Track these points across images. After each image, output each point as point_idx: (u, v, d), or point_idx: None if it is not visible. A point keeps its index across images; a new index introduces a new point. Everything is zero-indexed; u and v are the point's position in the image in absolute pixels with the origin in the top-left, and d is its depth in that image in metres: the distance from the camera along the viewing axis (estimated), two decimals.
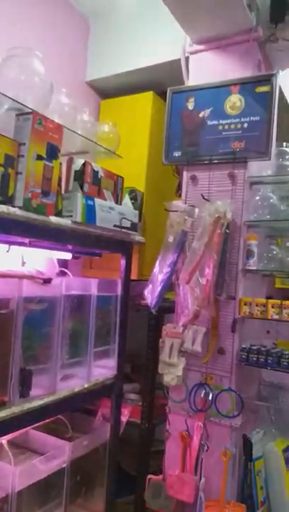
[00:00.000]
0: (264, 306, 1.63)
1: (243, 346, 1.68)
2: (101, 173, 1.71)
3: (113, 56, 2.37)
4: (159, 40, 2.18)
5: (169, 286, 1.78)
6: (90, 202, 1.58)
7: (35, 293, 1.48)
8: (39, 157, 1.35)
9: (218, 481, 1.66)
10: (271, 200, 1.74)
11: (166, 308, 1.97)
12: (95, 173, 1.67)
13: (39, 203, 1.35)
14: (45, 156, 1.37)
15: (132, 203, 2.02)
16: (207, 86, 1.81)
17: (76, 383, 1.65)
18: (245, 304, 1.68)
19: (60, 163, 1.47)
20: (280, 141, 1.87)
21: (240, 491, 1.75)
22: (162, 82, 2.25)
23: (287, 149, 1.85)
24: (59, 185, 1.48)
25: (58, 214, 1.48)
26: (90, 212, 1.58)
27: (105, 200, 1.73)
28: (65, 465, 1.69)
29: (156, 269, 1.79)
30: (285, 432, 1.90)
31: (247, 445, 1.69)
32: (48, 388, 1.52)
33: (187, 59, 1.95)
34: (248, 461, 1.70)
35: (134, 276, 2.10)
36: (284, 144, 1.86)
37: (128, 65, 2.29)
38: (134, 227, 1.88)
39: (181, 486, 1.69)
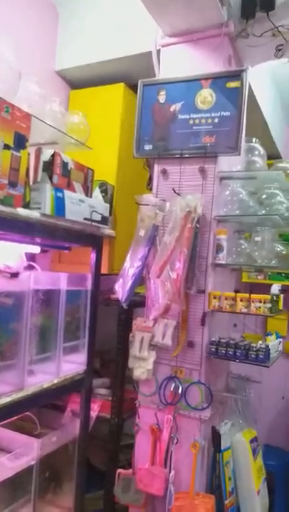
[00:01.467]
0: (233, 299, 1.65)
1: (212, 339, 1.70)
2: (71, 165, 1.68)
3: (83, 46, 2.32)
4: (131, 32, 2.15)
5: (140, 280, 1.77)
6: (59, 194, 1.54)
7: (2, 288, 1.43)
8: (6, 146, 1.30)
9: (187, 473, 1.68)
10: (240, 196, 1.76)
11: (137, 302, 1.96)
12: (65, 164, 1.64)
13: (6, 195, 1.31)
14: (12, 145, 1.32)
15: (103, 196, 1.99)
16: (178, 80, 1.80)
17: (45, 379, 1.62)
18: (214, 298, 1.69)
19: (29, 154, 1.43)
20: (249, 137, 1.89)
21: (209, 482, 1.78)
22: (134, 74, 2.23)
23: (256, 145, 1.87)
24: (27, 176, 1.43)
25: (26, 206, 1.44)
26: (59, 205, 1.54)
27: (75, 192, 1.70)
28: (33, 462, 1.66)
29: (126, 264, 1.78)
30: (252, 423, 1.94)
31: (215, 437, 1.71)
32: (16, 385, 1.48)
33: (159, 51, 1.94)
34: (216, 452, 1.73)
35: (104, 270, 2.08)
36: (253, 139, 1.88)
37: (99, 55, 2.25)
38: (104, 220, 1.86)
39: (151, 479, 1.69)
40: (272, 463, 2.92)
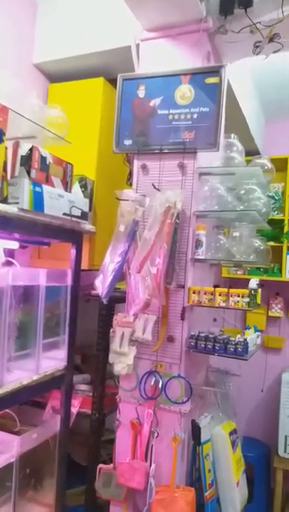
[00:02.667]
0: (212, 294, 1.67)
1: (192, 333, 1.71)
2: (49, 159, 1.66)
3: (62, 39, 2.29)
4: (110, 25, 2.14)
5: (120, 275, 1.77)
6: (37, 189, 1.53)
7: None
8: None
9: (168, 466, 1.70)
10: (219, 191, 1.77)
11: (117, 298, 1.96)
12: (43, 158, 1.62)
13: None
14: None
15: (82, 191, 1.98)
16: (158, 74, 1.80)
17: (24, 376, 1.61)
18: (194, 293, 1.71)
19: (6, 148, 1.40)
20: (228, 133, 1.91)
21: (189, 475, 1.80)
22: (113, 68, 2.21)
23: (234, 141, 1.89)
24: (4, 170, 1.41)
25: (4, 201, 1.41)
26: (37, 200, 1.53)
27: (54, 187, 1.68)
28: (13, 459, 1.64)
29: (107, 259, 1.77)
30: (231, 416, 1.97)
31: (195, 430, 1.73)
32: None
33: (138, 46, 1.93)
34: (196, 445, 1.75)
35: (84, 266, 2.07)
36: (231, 135, 1.90)
37: (78, 49, 2.23)
38: (84, 215, 1.85)
39: (132, 473, 1.70)
40: (252, 454, 2.99)
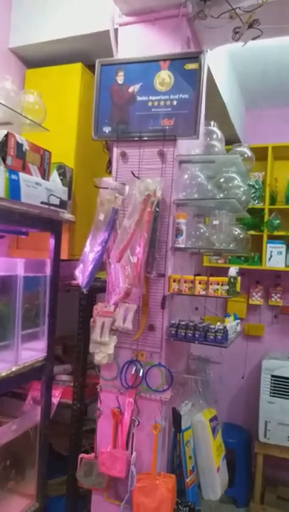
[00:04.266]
0: (192, 282, 1.67)
1: (172, 322, 1.71)
2: (26, 146, 1.62)
3: (39, 23, 2.22)
4: (88, 10, 2.08)
5: (101, 265, 1.76)
6: (13, 176, 1.49)
7: None
8: None
9: (149, 454, 1.71)
10: (199, 179, 1.76)
11: (98, 287, 1.95)
12: (19, 145, 1.58)
13: None
14: None
15: (61, 180, 1.94)
16: (137, 60, 1.77)
17: (3, 367, 1.59)
18: (174, 281, 1.70)
19: None
20: (208, 121, 1.90)
21: (170, 462, 1.81)
22: (92, 53, 2.17)
23: (214, 129, 1.88)
24: None
25: None
26: (14, 188, 1.49)
27: (31, 175, 1.64)
28: None
29: (87, 248, 1.75)
30: (211, 403, 1.99)
31: (176, 417, 1.74)
32: None
33: (116, 31, 1.89)
34: (177, 432, 1.76)
35: (64, 255, 2.05)
36: (211, 123, 1.88)
37: (55, 33, 2.17)
38: (63, 204, 1.82)
39: (113, 462, 1.71)
40: (233, 440, 3.04)
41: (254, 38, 1.73)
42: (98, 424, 1.84)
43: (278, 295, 3.26)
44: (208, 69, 2.14)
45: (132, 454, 1.70)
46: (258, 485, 2.95)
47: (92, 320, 1.79)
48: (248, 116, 3.47)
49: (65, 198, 1.84)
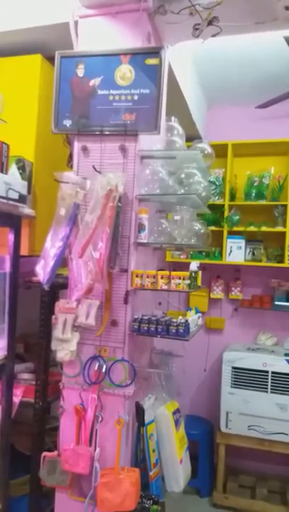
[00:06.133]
0: (154, 277, 1.68)
1: (135, 317, 1.72)
2: None
3: None
4: (48, 0, 2.03)
5: (62, 261, 1.73)
6: None
7: None
8: None
9: (112, 449, 1.71)
10: (160, 175, 1.77)
11: (60, 284, 1.92)
12: None
13: None
14: None
15: (20, 173, 1.89)
16: (97, 53, 1.75)
17: None
18: (137, 276, 1.71)
19: None
20: (169, 116, 1.91)
21: (134, 456, 1.82)
22: (51, 45, 2.11)
23: (174, 124, 1.89)
24: None
25: None
26: None
27: None
28: None
29: (47, 244, 1.72)
30: (174, 396, 2.01)
31: (139, 411, 1.75)
32: None
33: (76, 23, 1.86)
34: (140, 426, 1.77)
35: (24, 251, 2.00)
36: (172, 118, 1.90)
37: (13, 23, 2.09)
38: (22, 198, 1.78)
39: (77, 458, 1.70)
40: (196, 432, 3.10)
41: (214, 35, 1.75)
42: (61, 422, 1.82)
43: (238, 289, 3.35)
44: (170, 65, 2.15)
45: (95, 450, 1.70)
46: (220, 474, 3.02)
47: (53, 317, 1.76)
48: (210, 113, 3.53)
49: (24, 192, 1.80)
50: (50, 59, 2.07)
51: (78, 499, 1.77)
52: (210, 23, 1.66)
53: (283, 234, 3.02)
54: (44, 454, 1.82)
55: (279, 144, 3.10)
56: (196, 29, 1.69)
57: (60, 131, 1.82)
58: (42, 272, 1.71)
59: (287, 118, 3.33)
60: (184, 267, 1.92)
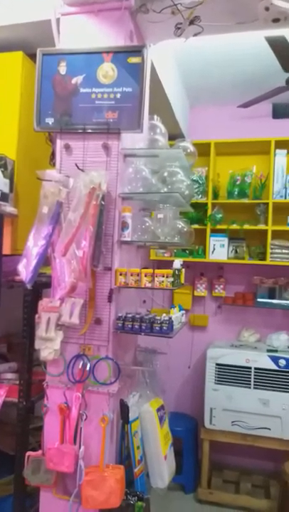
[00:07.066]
0: (138, 275, 1.69)
1: (119, 315, 1.73)
2: None
3: None
4: None
5: (45, 259, 1.72)
6: None
7: None
8: None
9: (97, 447, 1.71)
10: (143, 173, 1.78)
11: (44, 283, 1.91)
12: None
13: None
14: None
15: (2, 171, 1.88)
16: (79, 51, 1.74)
17: None
18: (120, 274, 1.71)
19: None
20: (152, 115, 1.91)
21: (119, 453, 1.83)
22: (33, 42, 2.09)
23: (157, 123, 1.90)
24: None
25: None
26: None
27: None
28: None
29: (30, 243, 1.71)
30: (159, 393, 2.03)
31: (124, 409, 1.76)
32: None
33: (58, 20, 1.85)
34: (125, 423, 1.78)
35: (6, 250, 1.98)
36: (154, 117, 1.91)
37: None
38: (4, 197, 1.76)
39: (61, 457, 1.69)
40: (180, 429, 3.12)
41: (195, 35, 1.76)
42: (45, 421, 1.81)
43: (221, 286, 3.39)
44: (152, 64, 2.16)
45: (80, 448, 1.70)
46: (204, 470, 3.06)
47: (37, 316, 1.75)
48: (192, 112, 3.55)
49: (6, 190, 1.78)
50: (32, 56, 2.06)
51: (63, 498, 1.77)
52: (191, 23, 1.68)
53: (265, 232, 3.07)
54: (28, 453, 1.81)
55: (261, 143, 3.14)
56: (178, 28, 1.70)
57: (42, 129, 1.81)
58: (24, 270, 1.70)
59: (268, 117, 3.36)
60: (168, 264, 1.94)
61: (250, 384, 2.92)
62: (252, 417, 2.91)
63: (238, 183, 3.19)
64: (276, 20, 1.72)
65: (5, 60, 2.12)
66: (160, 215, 1.79)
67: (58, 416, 1.75)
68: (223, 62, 2.79)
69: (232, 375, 2.96)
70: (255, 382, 2.91)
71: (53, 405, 1.78)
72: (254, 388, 2.91)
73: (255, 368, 2.92)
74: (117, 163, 1.74)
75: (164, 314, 1.72)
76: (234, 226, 3.15)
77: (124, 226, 1.76)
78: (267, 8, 1.66)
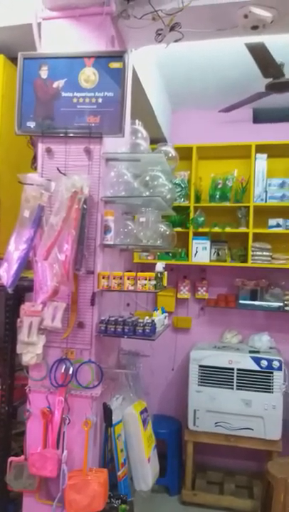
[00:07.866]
0: (121, 278, 1.70)
1: (102, 318, 1.73)
2: None
3: None
4: (11, 1, 2.01)
5: (27, 263, 1.72)
6: None
7: None
8: None
9: (80, 451, 1.71)
10: (125, 177, 1.79)
11: (26, 287, 1.90)
12: None
13: None
14: None
15: None
16: (61, 55, 1.75)
17: None
18: (103, 278, 1.72)
19: None
20: (134, 119, 1.93)
21: (102, 457, 1.83)
22: (14, 46, 2.09)
23: (139, 128, 1.92)
24: None
25: None
26: None
27: None
28: None
29: (11, 247, 1.71)
30: (142, 395, 2.04)
31: (107, 412, 1.76)
32: None
33: (39, 25, 1.85)
34: (108, 427, 1.78)
35: None
36: (136, 121, 1.92)
37: None
38: None
39: (44, 462, 1.68)
40: (164, 431, 3.14)
41: (176, 41, 1.79)
42: (28, 426, 1.80)
43: (204, 288, 3.42)
44: (134, 69, 2.17)
45: (63, 452, 1.69)
46: (188, 472, 3.07)
47: (19, 320, 1.75)
48: (175, 117, 3.58)
49: None
50: (14, 60, 2.05)
51: (46, 502, 1.76)
52: (172, 29, 1.70)
53: (246, 234, 3.11)
54: (11, 458, 1.79)
55: (242, 147, 3.19)
56: (159, 34, 1.73)
57: (23, 133, 1.81)
58: (6, 275, 1.69)
59: (249, 122, 3.43)
60: (151, 268, 1.95)
61: (232, 385, 2.95)
62: (235, 417, 2.93)
63: (219, 186, 3.22)
64: (255, 28, 1.76)
65: None
66: (142, 219, 1.81)
67: (40, 420, 1.75)
68: (205, 68, 2.83)
69: (215, 376, 2.99)
70: (237, 383, 2.95)
71: (36, 410, 1.77)
72: (237, 389, 2.94)
73: (238, 369, 2.95)
74: (99, 167, 1.75)
75: (147, 317, 1.73)
76: (216, 229, 3.19)
77: (106, 229, 1.77)
78: (246, 16, 1.70)
